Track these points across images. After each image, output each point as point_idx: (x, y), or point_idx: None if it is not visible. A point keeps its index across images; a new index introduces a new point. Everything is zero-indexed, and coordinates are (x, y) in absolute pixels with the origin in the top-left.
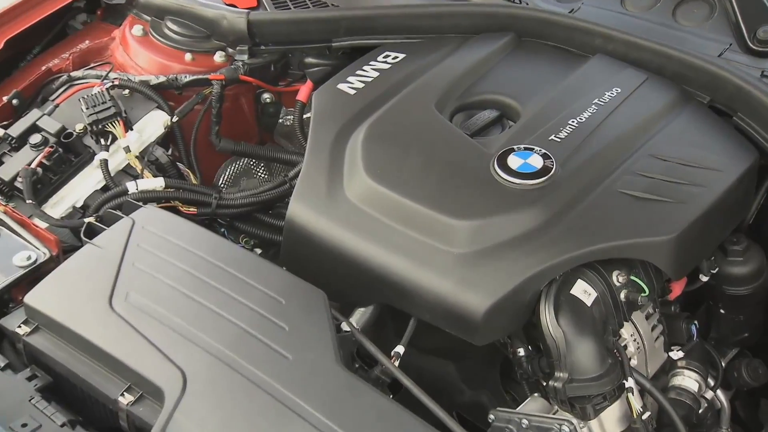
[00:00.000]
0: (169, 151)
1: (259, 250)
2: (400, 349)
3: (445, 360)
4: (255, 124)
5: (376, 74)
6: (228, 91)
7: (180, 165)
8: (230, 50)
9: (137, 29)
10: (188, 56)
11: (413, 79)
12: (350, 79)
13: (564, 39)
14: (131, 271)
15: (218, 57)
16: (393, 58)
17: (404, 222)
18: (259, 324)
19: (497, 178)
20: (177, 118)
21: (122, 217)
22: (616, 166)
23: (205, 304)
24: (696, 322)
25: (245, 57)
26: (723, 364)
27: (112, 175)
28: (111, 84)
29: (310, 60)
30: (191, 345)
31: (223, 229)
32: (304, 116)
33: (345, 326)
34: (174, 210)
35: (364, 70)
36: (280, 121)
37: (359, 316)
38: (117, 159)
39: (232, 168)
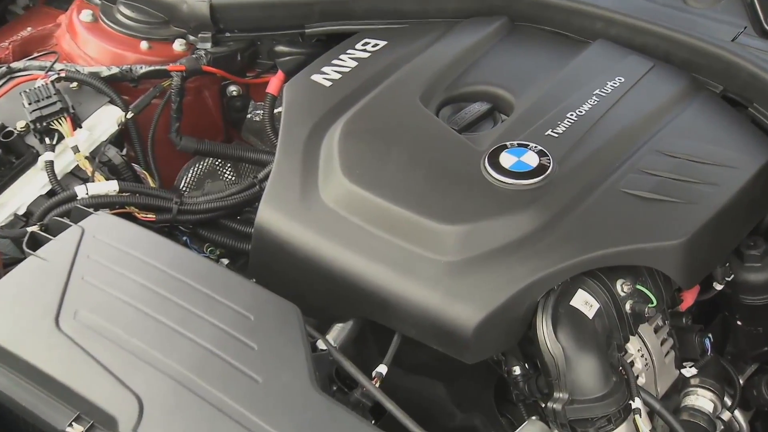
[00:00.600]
0: (124, 151)
1: (225, 261)
2: (382, 368)
3: (433, 380)
4: (220, 119)
5: (354, 64)
6: (189, 84)
7: (136, 166)
8: (191, 38)
9: (86, 14)
10: (144, 44)
11: (395, 69)
12: (325, 69)
13: (561, 23)
14: (80, 285)
15: (178, 45)
16: (373, 46)
17: (386, 228)
18: (225, 343)
19: (488, 178)
20: (132, 114)
21: (70, 225)
22: (619, 164)
23: (164, 322)
24: (710, 335)
25: (208, 45)
26: (741, 382)
27: (58, 178)
28: (57, 76)
29: (280, 48)
30: (148, 368)
31: (185, 238)
32: (275, 111)
33: (321, 344)
34: (129, 217)
35: (340, 60)
36: (249, 116)
37: (337, 332)
38: (64, 160)
39: (195, 169)
